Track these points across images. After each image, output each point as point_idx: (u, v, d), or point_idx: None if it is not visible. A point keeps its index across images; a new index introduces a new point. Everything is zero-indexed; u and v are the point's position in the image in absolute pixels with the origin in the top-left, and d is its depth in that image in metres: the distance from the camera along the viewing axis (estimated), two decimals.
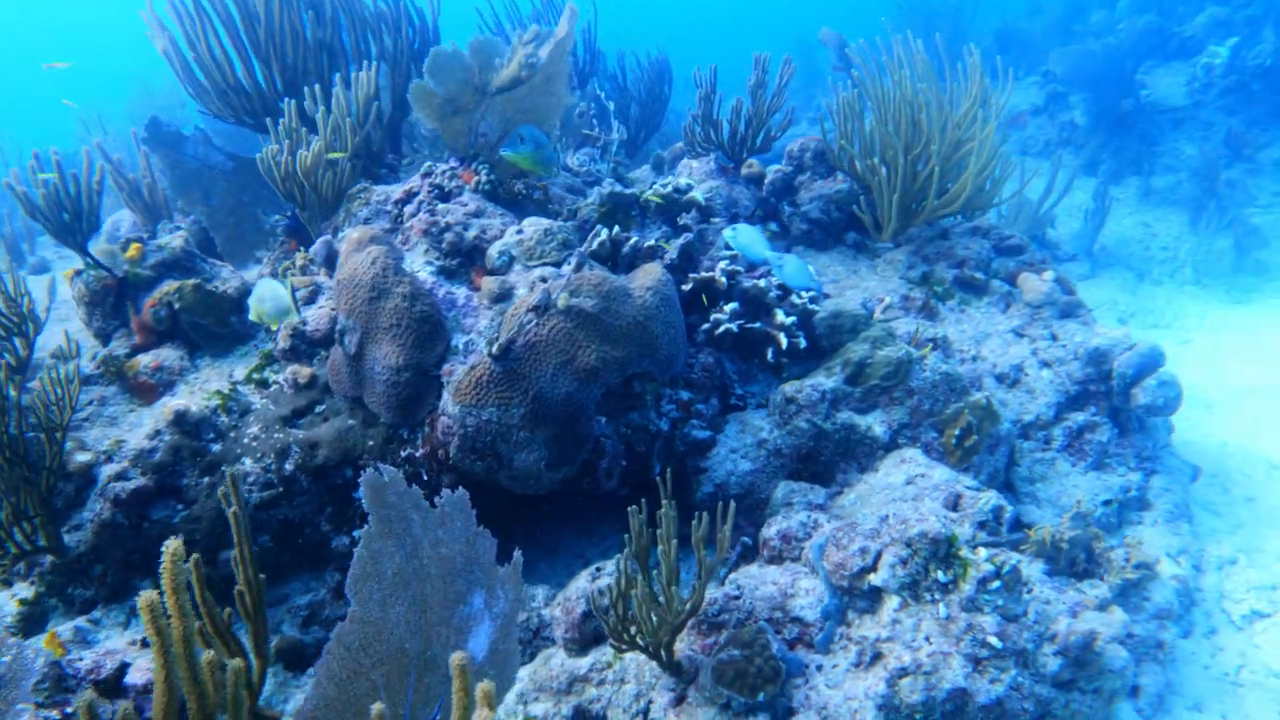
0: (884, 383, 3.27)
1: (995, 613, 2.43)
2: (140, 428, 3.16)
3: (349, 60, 4.34)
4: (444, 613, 1.78)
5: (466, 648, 1.80)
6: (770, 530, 2.89)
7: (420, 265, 3.27)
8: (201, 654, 1.22)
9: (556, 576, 3.40)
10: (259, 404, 3.25)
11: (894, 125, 4.06)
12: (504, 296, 3.15)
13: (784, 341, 3.37)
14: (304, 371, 3.29)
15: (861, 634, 2.49)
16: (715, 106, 4.44)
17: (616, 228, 3.36)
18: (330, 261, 3.54)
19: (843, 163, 4.30)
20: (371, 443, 3.12)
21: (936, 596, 2.47)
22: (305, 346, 3.37)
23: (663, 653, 2.43)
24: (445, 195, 3.47)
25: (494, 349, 2.81)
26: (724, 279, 3.37)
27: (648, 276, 3.06)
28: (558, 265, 3.24)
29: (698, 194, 3.65)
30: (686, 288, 3.39)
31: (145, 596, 1.10)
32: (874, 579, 2.52)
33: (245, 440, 3.13)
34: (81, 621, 2.84)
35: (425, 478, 3.08)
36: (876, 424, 3.25)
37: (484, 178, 3.51)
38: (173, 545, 1.13)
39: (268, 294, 2.99)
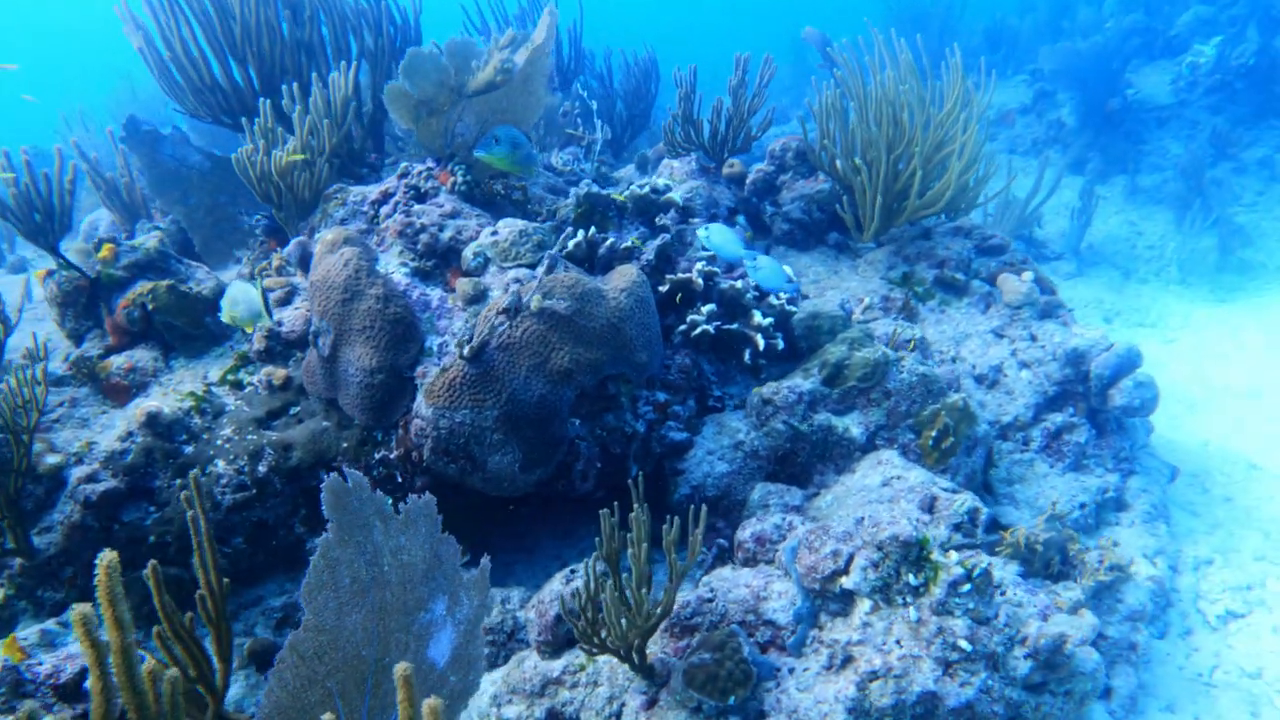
0: (861, 384, 3.27)
1: (966, 616, 2.43)
2: (112, 429, 3.14)
3: (329, 59, 4.31)
4: (404, 619, 1.76)
5: (427, 654, 1.79)
6: (745, 533, 2.89)
7: (395, 267, 3.25)
8: (141, 665, 1.20)
9: (535, 578, 3.39)
10: (233, 405, 3.23)
11: (876, 124, 4.05)
12: (479, 298, 3.13)
13: (761, 343, 3.36)
14: (279, 373, 3.27)
15: (833, 637, 2.49)
16: (695, 106, 4.42)
17: (593, 229, 3.34)
18: (305, 263, 3.52)
19: (823, 162, 4.29)
20: (346, 444, 3.11)
21: (908, 600, 2.46)
22: (281, 348, 3.35)
23: (634, 656, 2.43)
24: (421, 196, 3.45)
25: (466, 351, 2.79)
26: (701, 280, 3.36)
27: (622, 278, 3.05)
28: (533, 267, 3.23)
29: (675, 194, 3.64)
30: (663, 289, 3.38)
31: (78, 609, 1.09)
32: (846, 582, 2.51)
33: (218, 442, 3.11)
34: (50, 624, 2.82)
35: (399, 480, 3.06)
36: (854, 425, 3.25)
37: (460, 179, 3.49)
38: (107, 557, 1.11)
39: (240, 296, 2.97)
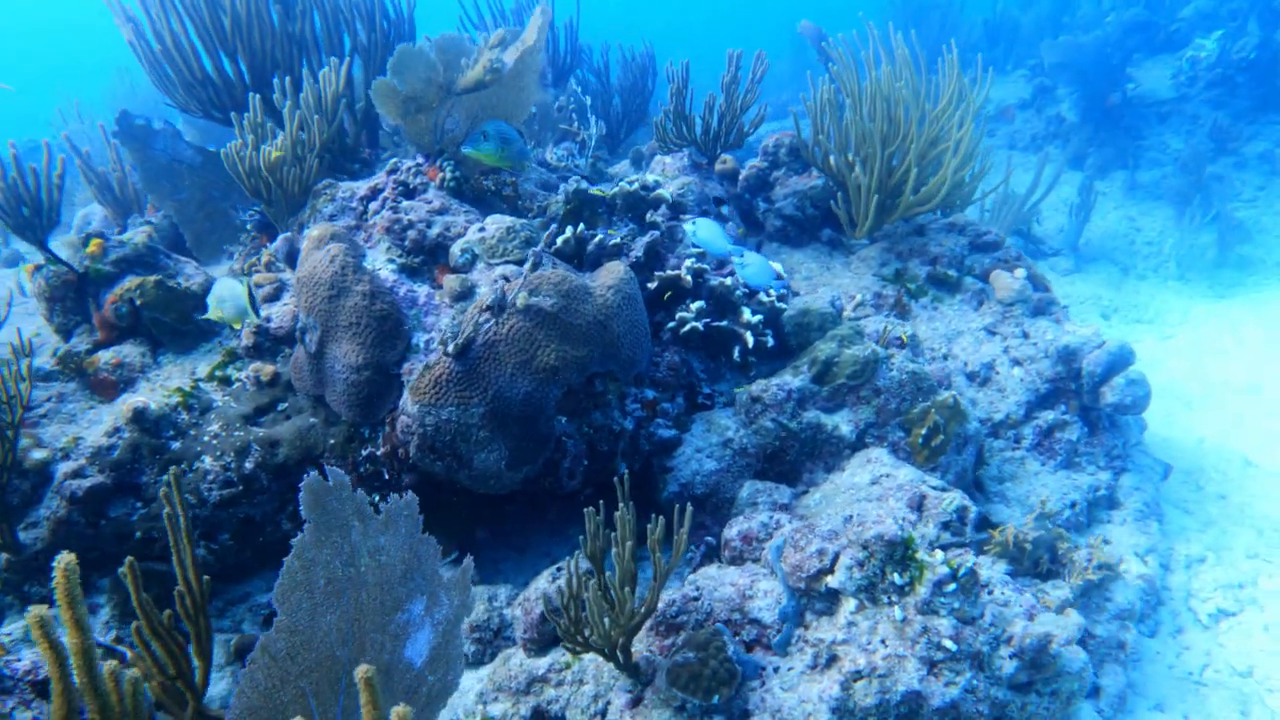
0: (851, 381, 3.25)
1: (951, 615, 2.41)
2: (99, 425, 3.13)
3: (321, 53, 4.29)
4: (380, 619, 1.75)
5: (404, 654, 1.79)
6: (732, 531, 2.88)
7: (382, 263, 3.24)
8: (103, 666, 1.19)
9: (524, 575, 3.38)
10: (220, 401, 3.22)
11: (870, 120, 4.02)
12: (466, 295, 3.12)
13: (750, 340, 3.34)
14: (266, 369, 3.26)
15: (818, 636, 2.48)
16: (687, 102, 4.40)
17: (581, 225, 3.32)
18: (293, 259, 3.51)
19: (817, 158, 4.26)
20: (333, 441, 3.10)
21: (893, 599, 2.45)
22: (269, 344, 3.34)
23: (619, 654, 2.42)
24: (410, 192, 3.43)
25: (451, 348, 2.78)
26: (690, 277, 3.34)
27: (610, 275, 3.03)
28: (521, 263, 3.21)
29: (666, 191, 3.62)
30: (652, 286, 3.36)
31: (34, 611, 1.08)
32: (831, 581, 2.50)
33: (205, 438, 3.10)
34: None
35: (386, 477, 3.06)
36: (843, 423, 3.23)
37: (448, 174, 3.47)
38: (64, 559, 1.10)
39: (227, 293, 2.96)
